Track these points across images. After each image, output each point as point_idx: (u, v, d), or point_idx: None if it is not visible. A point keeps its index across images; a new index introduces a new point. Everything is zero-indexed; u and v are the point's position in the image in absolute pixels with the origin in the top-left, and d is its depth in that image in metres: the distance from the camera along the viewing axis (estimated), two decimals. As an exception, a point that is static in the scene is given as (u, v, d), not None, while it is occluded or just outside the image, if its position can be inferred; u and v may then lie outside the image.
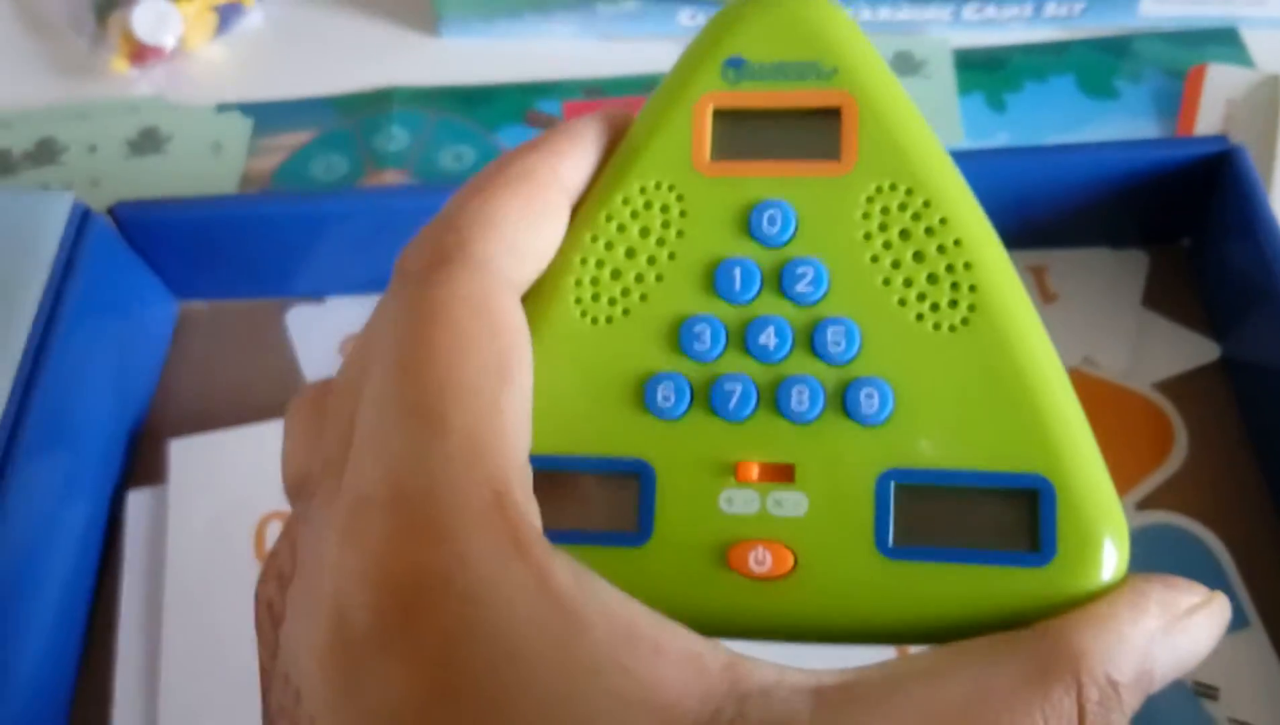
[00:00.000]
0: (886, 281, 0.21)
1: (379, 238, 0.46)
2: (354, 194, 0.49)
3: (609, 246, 0.22)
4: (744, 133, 0.22)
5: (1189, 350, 0.45)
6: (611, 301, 0.22)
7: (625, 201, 0.22)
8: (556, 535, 0.19)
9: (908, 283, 0.21)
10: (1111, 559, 0.20)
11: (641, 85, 0.54)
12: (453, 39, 0.57)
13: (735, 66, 0.23)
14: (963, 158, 0.46)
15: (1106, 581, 0.20)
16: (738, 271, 0.22)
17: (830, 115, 0.22)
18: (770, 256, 0.22)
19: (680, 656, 0.17)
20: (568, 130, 0.23)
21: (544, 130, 0.23)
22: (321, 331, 0.48)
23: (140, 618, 0.40)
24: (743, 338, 0.21)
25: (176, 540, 0.41)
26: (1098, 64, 0.53)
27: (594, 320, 0.22)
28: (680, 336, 0.21)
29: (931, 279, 0.21)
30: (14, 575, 0.37)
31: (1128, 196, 0.45)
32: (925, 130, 0.22)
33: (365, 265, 0.47)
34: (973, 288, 0.21)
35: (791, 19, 0.23)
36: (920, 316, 0.21)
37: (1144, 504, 0.41)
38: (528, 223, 0.21)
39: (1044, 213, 0.46)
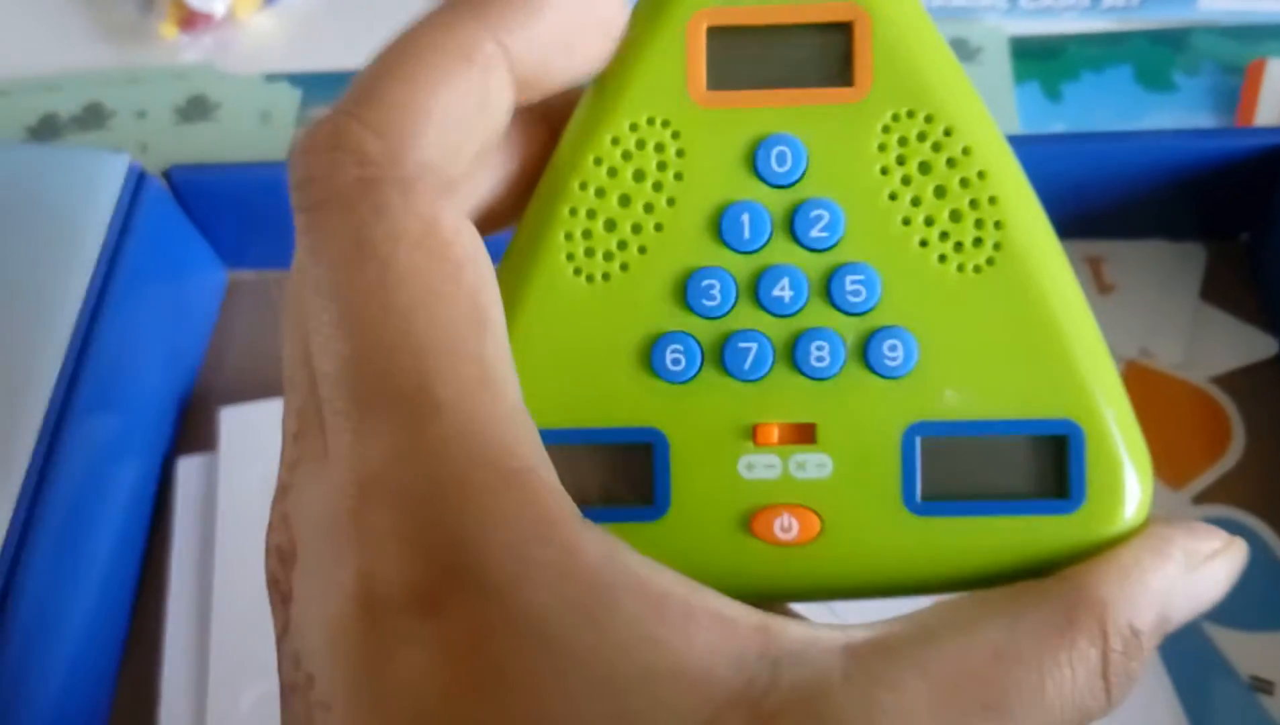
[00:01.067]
0: (906, 221, 0.20)
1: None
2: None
3: (600, 194, 0.20)
4: (743, 55, 0.20)
5: (1246, 345, 0.44)
6: (607, 256, 0.20)
7: (615, 142, 0.20)
8: None
9: (929, 221, 0.20)
10: (1135, 501, 0.19)
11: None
12: (503, 14, 0.57)
13: None
14: (1023, 142, 0.46)
15: (1130, 523, 0.19)
16: (746, 217, 0.20)
17: (840, 31, 0.20)
18: (780, 198, 0.20)
19: (711, 622, 0.16)
20: None
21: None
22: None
23: (190, 582, 0.40)
24: (754, 290, 0.20)
25: (226, 506, 0.41)
26: (1155, 56, 0.53)
27: (589, 277, 0.20)
28: (687, 292, 0.20)
29: (955, 216, 0.19)
30: (65, 532, 0.37)
31: (1188, 188, 0.44)
32: (944, 49, 0.20)
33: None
34: (998, 224, 0.19)
35: None
36: (943, 257, 0.20)
37: (1201, 498, 0.41)
38: (466, 116, 0.17)
39: (1102, 202, 0.45)
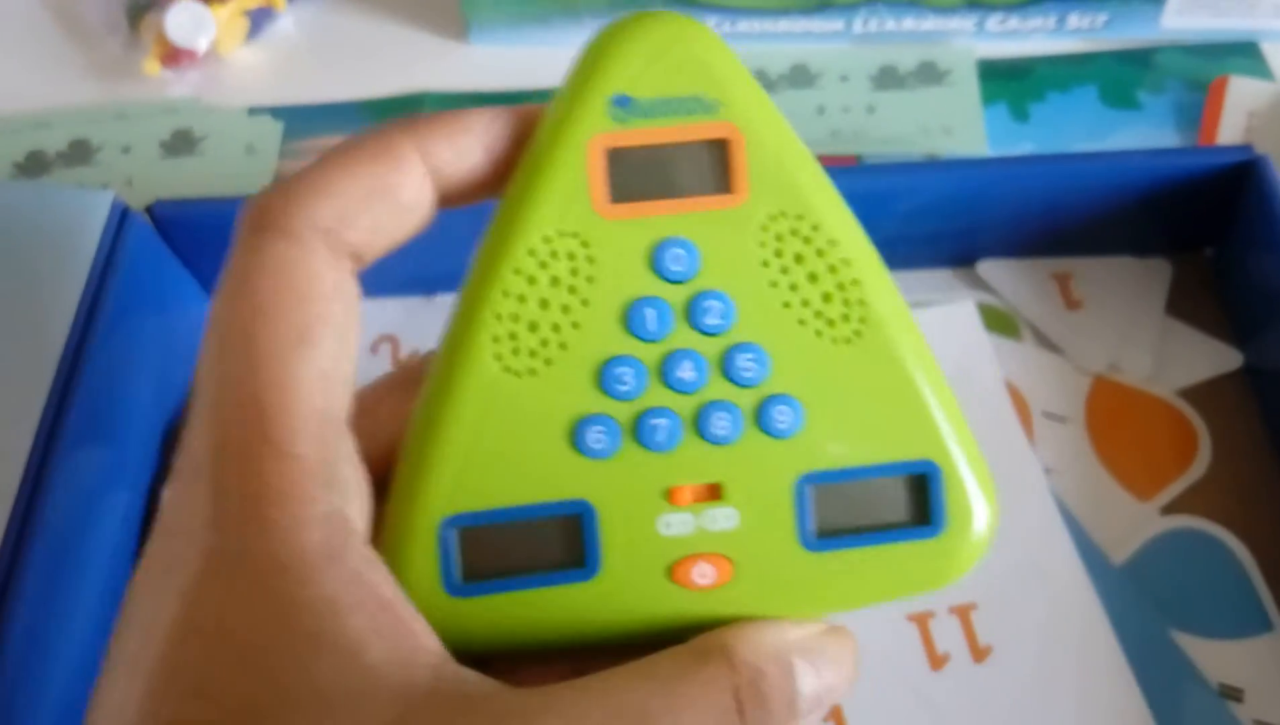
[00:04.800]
0: (786, 304, 0.23)
1: (410, 240, 0.47)
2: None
3: (521, 300, 0.22)
4: (638, 171, 0.23)
5: (1212, 358, 0.45)
6: (532, 353, 0.23)
7: (531, 253, 0.23)
8: (508, 583, 0.22)
9: (805, 303, 0.23)
10: (983, 520, 0.23)
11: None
12: (482, 45, 0.58)
13: (622, 105, 0.23)
14: (992, 164, 0.47)
15: (979, 539, 0.23)
16: (650, 311, 0.23)
17: (719, 147, 0.23)
18: (679, 292, 0.23)
19: (396, 626, 0.20)
20: (450, 116, 0.23)
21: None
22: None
23: (176, 611, 0.41)
24: (661, 373, 0.23)
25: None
26: (1120, 75, 0.54)
27: (517, 373, 0.22)
28: (603, 379, 0.23)
29: (825, 298, 0.23)
30: (55, 566, 0.38)
31: (1152, 205, 0.45)
32: (805, 155, 0.23)
33: (397, 267, 0.47)
34: (861, 302, 0.23)
35: (672, 51, 0.23)
36: (819, 333, 0.23)
37: (1169, 508, 0.42)
38: (371, 197, 0.22)
39: (1069, 220, 0.46)
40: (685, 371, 0.23)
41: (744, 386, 0.23)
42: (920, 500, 0.23)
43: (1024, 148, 0.52)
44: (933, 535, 0.23)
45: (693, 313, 0.23)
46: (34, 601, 0.37)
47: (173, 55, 0.56)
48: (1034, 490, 0.42)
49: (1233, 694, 0.38)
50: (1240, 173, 0.44)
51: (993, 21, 0.55)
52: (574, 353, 0.23)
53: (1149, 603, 0.40)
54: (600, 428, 0.22)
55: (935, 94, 0.54)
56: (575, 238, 0.23)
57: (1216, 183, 0.44)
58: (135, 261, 0.43)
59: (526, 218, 0.23)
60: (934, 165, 0.50)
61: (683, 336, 0.23)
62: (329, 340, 0.21)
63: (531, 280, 0.23)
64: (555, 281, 0.23)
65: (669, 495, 0.23)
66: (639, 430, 0.23)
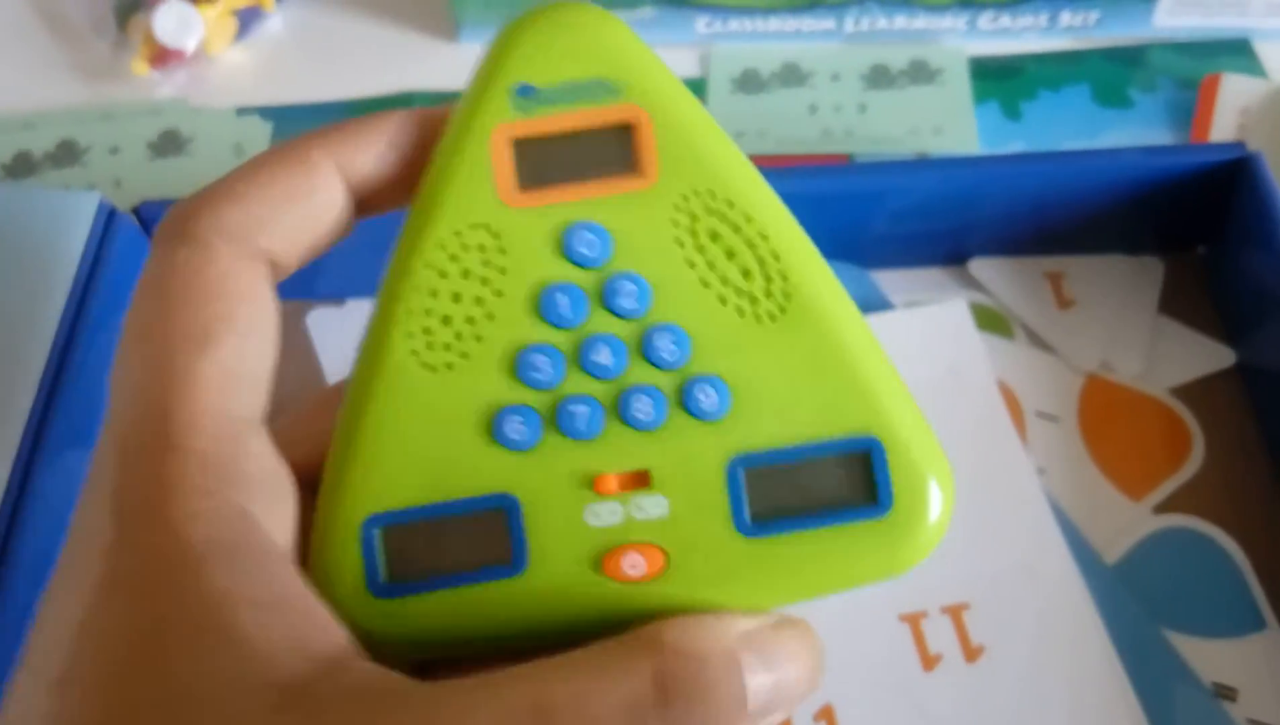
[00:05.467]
0: (705, 282, 0.22)
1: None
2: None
3: (434, 294, 0.22)
4: (545, 159, 0.23)
5: (1205, 356, 0.45)
6: (447, 347, 0.22)
7: (441, 246, 0.22)
8: (434, 582, 0.22)
9: (724, 281, 0.22)
10: (937, 498, 0.22)
11: (659, 92, 0.55)
12: (471, 44, 0.57)
13: (525, 94, 0.23)
14: (983, 163, 0.47)
15: (935, 519, 0.22)
16: (563, 297, 0.22)
17: (625, 130, 0.23)
18: (591, 277, 0.22)
19: (297, 620, 0.20)
20: (359, 122, 0.23)
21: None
22: (341, 333, 0.48)
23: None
24: (579, 359, 0.22)
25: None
26: (1112, 74, 0.54)
27: (433, 369, 0.22)
28: (519, 368, 0.22)
29: (745, 274, 0.22)
30: (39, 569, 0.38)
31: (1144, 203, 0.45)
32: (718, 134, 0.23)
33: (378, 269, 0.47)
34: (784, 276, 0.22)
35: (573, 38, 0.23)
36: (741, 311, 0.22)
37: (1161, 508, 0.42)
38: (283, 202, 0.22)
39: (1061, 219, 0.46)
40: (602, 356, 0.22)
41: (665, 369, 0.22)
42: (863, 477, 0.22)
43: (1015, 146, 0.52)
44: (880, 515, 0.22)
45: (607, 296, 0.22)
46: (20, 608, 0.36)
47: (161, 55, 0.56)
48: (1027, 490, 0.42)
49: (1226, 693, 0.38)
50: (1232, 170, 0.44)
51: (984, 20, 0.55)
52: (490, 344, 0.22)
53: (1142, 602, 0.40)
54: (519, 418, 0.22)
55: (927, 93, 0.54)
56: (484, 229, 0.22)
57: (1209, 181, 0.44)
58: (122, 263, 0.43)
59: (435, 212, 0.22)
60: (926, 164, 0.49)
61: (599, 321, 0.22)
62: (233, 338, 0.21)
63: (443, 274, 0.22)
64: (466, 274, 0.22)
65: (594, 484, 0.22)
66: (559, 419, 0.22)
